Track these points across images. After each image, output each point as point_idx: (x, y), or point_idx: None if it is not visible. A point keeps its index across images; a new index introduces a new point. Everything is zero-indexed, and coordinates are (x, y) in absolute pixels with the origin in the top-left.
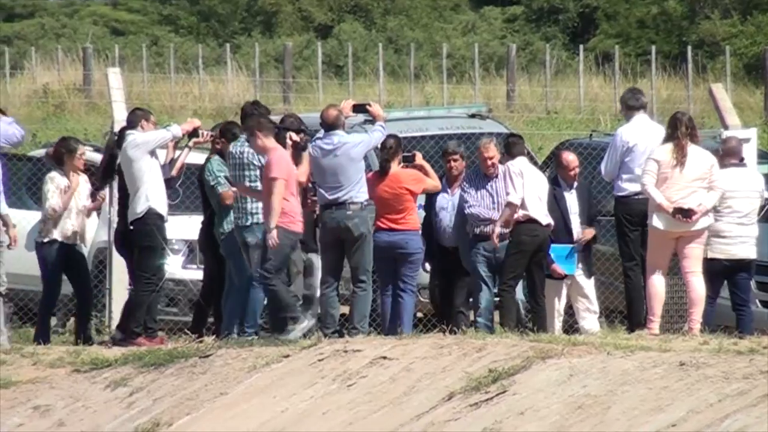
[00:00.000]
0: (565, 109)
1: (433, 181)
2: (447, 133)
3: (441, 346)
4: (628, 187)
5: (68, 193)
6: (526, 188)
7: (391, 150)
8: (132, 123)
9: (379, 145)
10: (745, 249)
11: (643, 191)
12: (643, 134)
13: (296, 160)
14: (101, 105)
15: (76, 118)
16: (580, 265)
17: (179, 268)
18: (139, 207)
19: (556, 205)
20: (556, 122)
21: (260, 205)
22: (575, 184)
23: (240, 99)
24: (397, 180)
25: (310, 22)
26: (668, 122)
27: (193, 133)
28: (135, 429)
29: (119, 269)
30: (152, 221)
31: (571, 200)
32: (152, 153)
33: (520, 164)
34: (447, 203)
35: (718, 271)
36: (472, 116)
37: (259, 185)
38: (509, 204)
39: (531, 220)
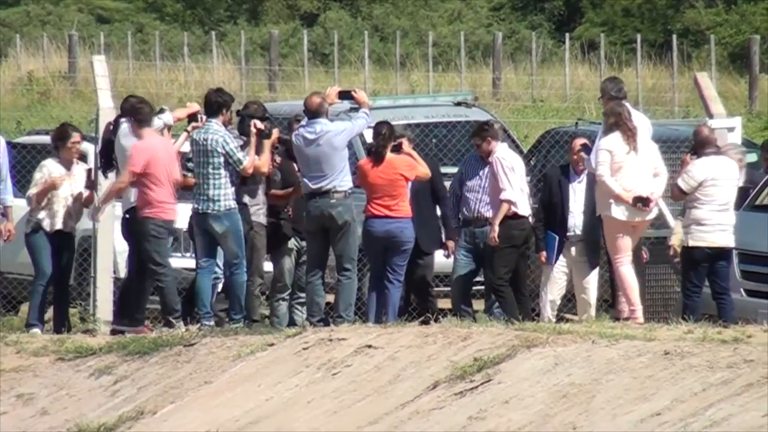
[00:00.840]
0: (551, 98)
1: (424, 169)
2: (433, 122)
3: (426, 335)
4: None
5: (45, 185)
6: (515, 181)
7: (385, 136)
8: (125, 111)
9: (365, 132)
10: (725, 237)
11: (599, 182)
12: None
13: (258, 149)
14: (86, 92)
15: (61, 105)
16: (584, 257)
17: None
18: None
19: (559, 194)
20: (542, 110)
21: (222, 191)
22: (585, 173)
23: (226, 87)
24: (392, 166)
25: (296, 10)
26: (609, 113)
27: (193, 118)
28: (119, 417)
29: (104, 258)
30: None
31: (578, 191)
32: None
33: (506, 153)
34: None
35: (700, 259)
36: (458, 104)
37: (222, 172)
38: (506, 201)
39: (518, 215)
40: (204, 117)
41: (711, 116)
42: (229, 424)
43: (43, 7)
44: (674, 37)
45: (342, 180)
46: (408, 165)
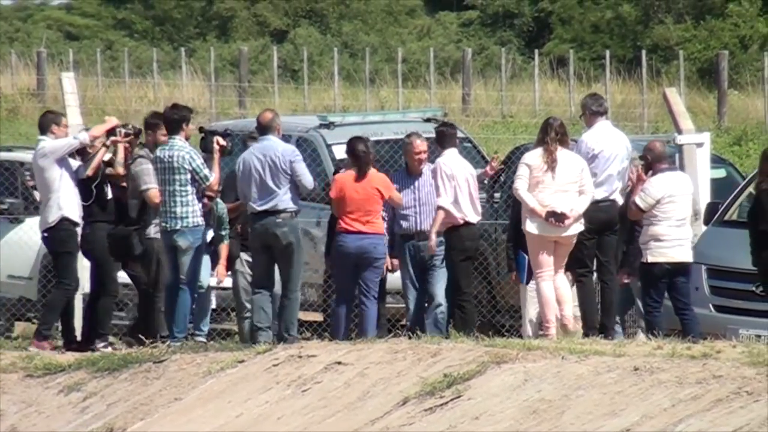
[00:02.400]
0: (521, 113)
1: (397, 196)
2: (402, 138)
3: (396, 351)
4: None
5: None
6: (459, 188)
7: (366, 154)
8: (42, 127)
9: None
10: (684, 252)
11: (515, 196)
12: (607, 140)
13: (210, 163)
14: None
15: (29, 122)
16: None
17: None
18: (51, 216)
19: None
20: (511, 126)
21: (190, 209)
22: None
23: (195, 103)
24: (370, 182)
25: (266, 27)
26: (540, 127)
27: (111, 132)
28: None
29: None
30: (65, 228)
31: None
32: (62, 160)
33: (450, 160)
34: None
35: (659, 275)
36: (428, 120)
37: (189, 189)
38: (440, 207)
39: (468, 223)
40: (122, 131)
41: (680, 132)
42: None
43: (11, 24)
44: (643, 52)
45: (288, 200)
46: (386, 183)
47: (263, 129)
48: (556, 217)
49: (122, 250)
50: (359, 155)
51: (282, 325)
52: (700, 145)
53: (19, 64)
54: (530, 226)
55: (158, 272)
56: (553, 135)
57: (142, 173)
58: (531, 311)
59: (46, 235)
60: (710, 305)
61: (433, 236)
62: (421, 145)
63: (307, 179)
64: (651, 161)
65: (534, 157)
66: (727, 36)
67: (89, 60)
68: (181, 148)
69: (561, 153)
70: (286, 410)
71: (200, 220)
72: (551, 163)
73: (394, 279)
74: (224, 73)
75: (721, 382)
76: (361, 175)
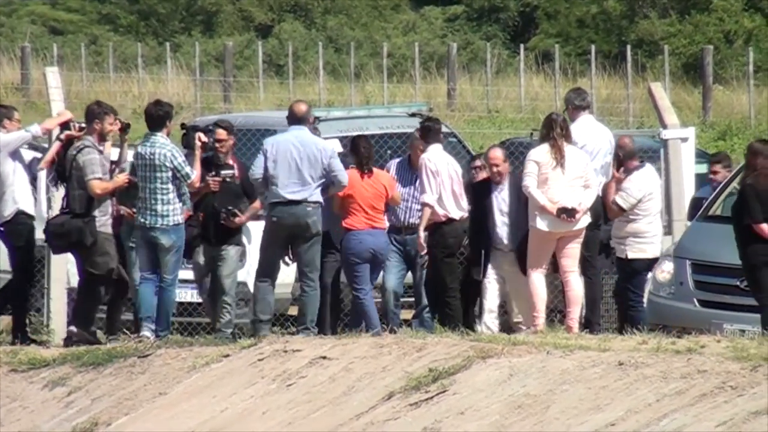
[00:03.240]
0: (506, 108)
1: (397, 195)
2: (387, 132)
3: (381, 346)
4: None
5: None
6: (442, 184)
7: (370, 149)
8: None
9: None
10: (658, 247)
11: (525, 193)
12: (591, 134)
13: (191, 160)
14: (40, 104)
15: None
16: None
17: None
18: (7, 210)
19: (483, 206)
20: (497, 121)
21: (171, 207)
22: (506, 184)
23: (180, 98)
24: (377, 178)
25: (251, 22)
26: (543, 123)
27: (65, 126)
28: (73, 429)
29: (57, 268)
30: (22, 222)
31: (501, 201)
32: (15, 153)
33: (435, 156)
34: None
35: (641, 270)
36: (413, 115)
37: (170, 186)
38: (425, 204)
39: (451, 220)
40: (77, 124)
41: (665, 126)
42: None
43: None
44: (628, 47)
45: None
46: (391, 182)
47: (298, 120)
48: (568, 213)
49: (73, 241)
50: (362, 153)
51: (306, 316)
52: (684, 140)
53: (3, 58)
54: (539, 223)
55: (105, 263)
56: (558, 130)
57: (90, 163)
58: (488, 303)
59: (2, 229)
60: (695, 300)
61: (421, 233)
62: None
63: (344, 176)
64: (623, 158)
65: (541, 153)
66: (712, 31)
67: (74, 55)
68: (163, 146)
69: (567, 148)
70: (271, 405)
71: (181, 219)
72: (560, 159)
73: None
74: (209, 68)
75: (706, 376)
76: (366, 172)
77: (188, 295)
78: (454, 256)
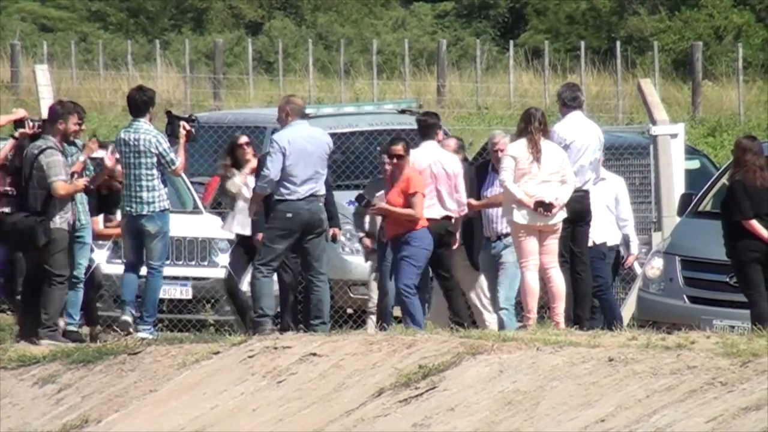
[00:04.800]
0: (496, 105)
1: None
2: (377, 129)
3: (371, 343)
4: None
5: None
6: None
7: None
8: None
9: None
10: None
11: (501, 187)
12: (579, 131)
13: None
14: (29, 102)
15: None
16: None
17: (104, 263)
18: None
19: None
20: (486, 117)
21: (156, 193)
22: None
23: (170, 95)
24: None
25: (241, 19)
26: (521, 117)
27: (19, 124)
28: (63, 426)
29: None
30: None
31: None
32: None
33: (421, 154)
34: None
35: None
36: (403, 112)
37: (155, 172)
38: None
39: (432, 218)
40: (32, 123)
41: (654, 123)
42: None
43: None
44: (618, 43)
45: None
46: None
47: (303, 114)
48: (545, 207)
49: (25, 240)
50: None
51: (322, 310)
52: (674, 136)
53: None
54: (518, 216)
55: (65, 262)
56: (536, 125)
57: (54, 164)
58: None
59: None
60: (684, 296)
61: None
62: (502, 142)
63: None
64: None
65: (518, 148)
66: (702, 27)
67: (63, 52)
68: (148, 132)
69: (543, 143)
70: (261, 402)
71: (166, 204)
72: (536, 154)
73: (363, 269)
74: (199, 66)
75: (696, 372)
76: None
77: (177, 291)
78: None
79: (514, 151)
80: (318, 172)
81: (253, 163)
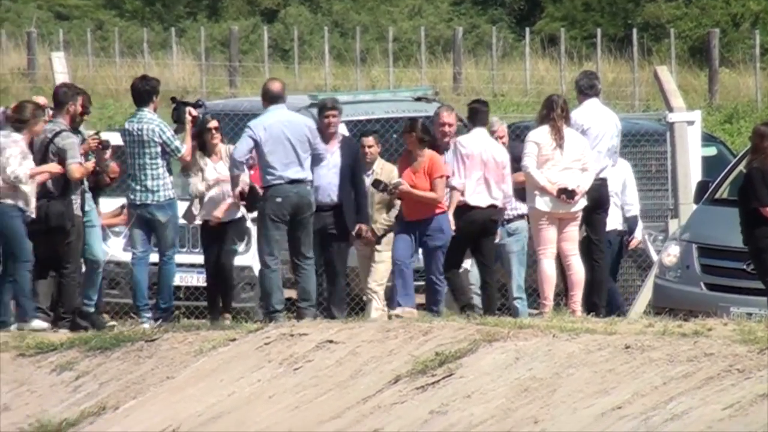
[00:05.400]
0: (512, 92)
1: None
2: (393, 117)
3: (387, 330)
4: None
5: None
6: (470, 170)
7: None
8: None
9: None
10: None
11: (524, 174)
12: (596, 118)
13: (182, 135)
14: (46, 89)
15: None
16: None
17: (120, 251)
18: None
19: None
20: (502, 105)
21: (161, 182)
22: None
23: (186, 83)
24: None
25: (256, 6)
26: (543, 104)
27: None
28: (81, 413)
29: None
30: None
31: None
32: None
33: (469, 140)
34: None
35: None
36: (419, 99)
37: (159, 161)
38: (452, 188)
39: (467, 206)
40: (51, 111)
41: (671, 110)
42: (191, 420)
43: (2, 4)
44: (634, 31)
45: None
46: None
47: (275, 98)
48: (568, 194)
49: (55, 225)
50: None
51: (310, 293)
52: (691, 123)
53: (9, 44)
54: (540, 204)
55: (78, 248)
56: (559, 112)
57: (70, 146)
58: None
59: None
60: (701, 284)
61: (450, 215)
62: (447, 117)
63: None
64: None
65: (541, 134)
66: (719, 14)
67: (80, 40)
68: (151, 121)
69: (566, 131)
70: (277, 388)
71: (172, 193)
72: (559, 141)
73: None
74: (215, 53)
75: (713, 359)
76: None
77: (194, 279)
78: (460, 239)
79: (537, 138)
80: (301, 157)
81: (221, 148)
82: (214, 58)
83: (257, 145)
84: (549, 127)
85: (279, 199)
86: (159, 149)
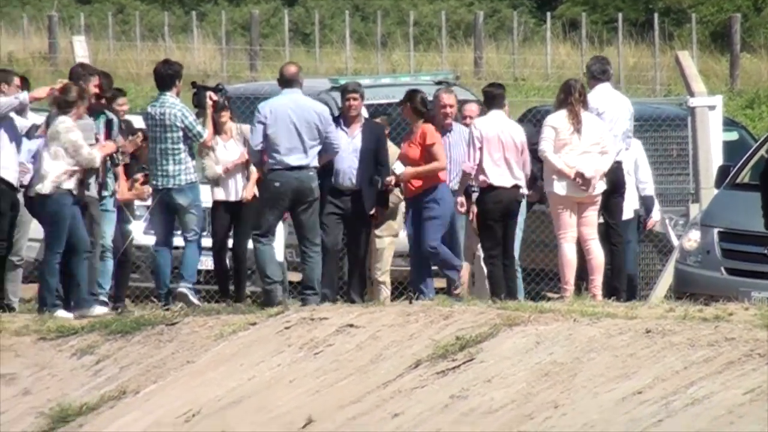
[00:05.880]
0: (533, 77)
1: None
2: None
3: (408, 314)
4: None
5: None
6: (489, 151)
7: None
8: None
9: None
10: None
11: (542, 158)
12: (609, 101)
13: (203, 119)
14: (67, 73)
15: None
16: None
17: (141, 234)
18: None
19: None
20: (523, 89)
21: (183, 166)
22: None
23: (206, 67)
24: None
25: None
26: (560, 89)
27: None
28: (101, 397)
29: None
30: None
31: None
32: (3, 119)
33: (484, 123)
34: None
35: None
36: (439, 83)
37: (181, 146)
38: (462, 171)
39: (492, 187)
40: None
41: (692, 94)
42: (211, 404)
43: None
44: (656, 15)
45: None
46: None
47: (289, 82)
48: (583, 180)
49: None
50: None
51: (312, 280)
52: (712, 108)
53: (30, 28)
54: (558, 188)
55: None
56: (576, 96)
57: (86, 128)
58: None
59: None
60: (722, 268)
61: (459, 198)
62: (447, 99)
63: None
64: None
65: (559, 119)
66: None
67: (101, 24)
68: (173, 105)
69: (584, 115)
70: (298, 373)
71: (194, 177)
72: (577, 125)
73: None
74: (235, 37)
75: (734, 344)
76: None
77: (209, 262)
78: (490, 222)
79: (555, 122)
80: (306, 143)
81: (231, 126)
82: (234, 42)
83: (265, 127)
84: (567, 112)
85: (277, 184)
86: (181, 134)
